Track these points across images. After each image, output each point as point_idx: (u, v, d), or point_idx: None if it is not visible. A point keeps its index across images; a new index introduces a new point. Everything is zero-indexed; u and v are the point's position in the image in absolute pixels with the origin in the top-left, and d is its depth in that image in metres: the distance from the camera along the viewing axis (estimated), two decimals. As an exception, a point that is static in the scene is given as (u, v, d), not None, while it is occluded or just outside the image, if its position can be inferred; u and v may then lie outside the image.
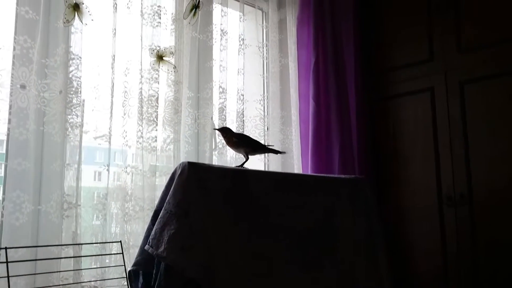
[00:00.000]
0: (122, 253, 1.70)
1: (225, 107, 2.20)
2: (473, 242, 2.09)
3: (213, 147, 2.16)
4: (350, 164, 2.35)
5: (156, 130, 1.93)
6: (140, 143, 1.87)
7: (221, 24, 2.25)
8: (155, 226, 1.47)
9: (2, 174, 1.59)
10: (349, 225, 1.94)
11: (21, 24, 1.64)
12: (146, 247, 1.45)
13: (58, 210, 1.65)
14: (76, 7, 1.74)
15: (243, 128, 2.28)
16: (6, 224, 1.53)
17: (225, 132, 1.92)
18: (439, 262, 2.19)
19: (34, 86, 1.63)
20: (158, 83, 1.96)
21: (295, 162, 2.48)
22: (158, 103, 1.95)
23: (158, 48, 1.98)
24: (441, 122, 2.25)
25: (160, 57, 1.98)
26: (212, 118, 2.17)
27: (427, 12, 2.36)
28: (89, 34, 1.80)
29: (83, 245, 1.70)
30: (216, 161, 2.17)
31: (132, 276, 1.58)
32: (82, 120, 1.75)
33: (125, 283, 1.66)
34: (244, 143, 1.89)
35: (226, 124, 2.17)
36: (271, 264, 1.63)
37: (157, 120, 1.94)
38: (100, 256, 1.73)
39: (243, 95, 2.29)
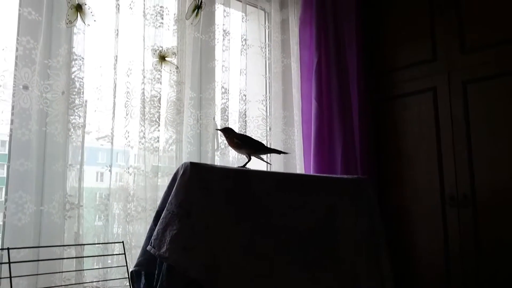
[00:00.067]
0: (124, 253, 1.70)
1: (227, 107, 2.20)
2: (476, 242, 2.08)
3: (215, 147, 2.16)
4: (353, 164, 2.35)
5: (158, 130, 1.93)
6: (142, 144, 1.87)
7: (223, 24, 2.25)
8: (157, 227, 1.47)
9: (5, 175, 1.59)
10: (351, 225, 1.94)
11: (24, 25, 1.64)
12: (148, 247, 1.45)
13: (60, 210, 1.65)
14: (79, 8, 1.75)
15: (246, 129, 2.28)
16: (8, 225, 1.53)
17: (227, 132, 1.91)
18: (441, 262, 2.18)
19: (36, 87, 1.64)
20: (161, 84, 1.96)
21: (298, 162, 2.48)
22: (160, 104, 1.95)
23: (160, 48, 1.98)
24: (444, 122, 2.24)
25: (162, 58, 1.99)
26: (214, 118, 2.17)
27: (430, 13, 2.36)
28: (92, 34, 1.80)
29: (85, 246, 1.70)
30: (218, 162, 2.17)
31: (134, 277, 1.58)
32: (85, 121, 1.75)
33: (127, 283, 1.66)
34: (246, 144, 1.89)
35: (228, 124, 2.17)
36: (272, 264, 1.63)
37: (159, 120, 1.94)
38: (102, 256, 1.74)
39: (245, 96, 2.29)
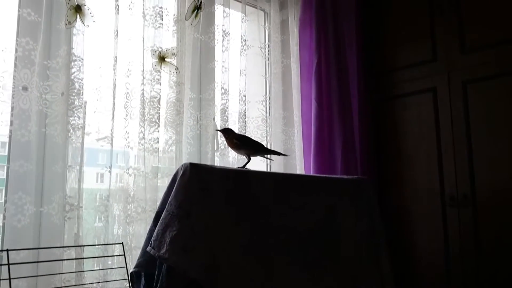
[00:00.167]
0: (124, 254, 1.70)
1: (227, 108, 2.20)
2: (476, 242, 2.08)
3: (215, 148, 2.16)
4: (353, 165, 2.35)
5: (158, 131, 1.93)
6: (142, 145, 1.87)
7: (223, 25, 2.25)
8: (157, 228, 1.47)
9: (4, 176, 1.59)
10: (351, 225, 1.94)
11: (23, 26, 1.64)
12: (148, 248, 1.45)
13: (60, 212, 1.65)
14: (78, 9, 1.75)
15: (245, 129, 2.27)
16: (8, 226, 1.53)
17: (227, 133, 1.91)
18: (441, 262, 2.18)
19: (36, 88, 1.64)
20: (160, 85, 1.96)
21: (298, 163, 2.48)
22: (160, 105, 1.95)
23: (160, 49, 1.98)
24: (444, 122, 2.24)
25: (162, 59, 1.98)
26: (214, 119, 2.16)
27: (430, 13, 2.35)
28: (91, 35, 1.80)
29: (85, 247, 1.70)
30: (218, 162, 2.16)
31: (134, 278, 1.58)
32: (84, 122, 1.75)
33: (127, 284, 1.66)
34: (245, 145, 1.88)
35: (228, 125, 2.16)
36: (272, 264, 1.63)
37: (159, 121, 1.94)
38: (102, 257, 1.73)
39: (245, 96, 2.29)
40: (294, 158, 2.49)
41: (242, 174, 1.70)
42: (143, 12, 1.95)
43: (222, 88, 2.20)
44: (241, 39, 2.33)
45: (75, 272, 1.65)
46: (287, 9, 2.61)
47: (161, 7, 2.00)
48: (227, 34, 2.24)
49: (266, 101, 2.48)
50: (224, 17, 2.26)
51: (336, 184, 2.01)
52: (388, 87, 2.51)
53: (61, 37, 1.73)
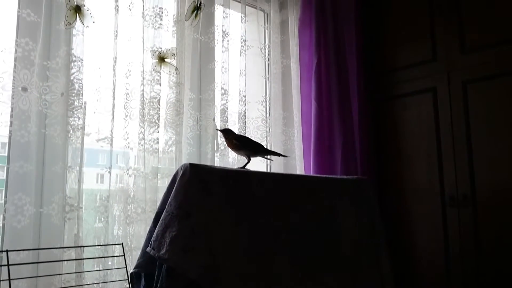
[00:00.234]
0: (124, 255, 1.70)
1: (227, 108, 2.20)
2: (476, 242, 2.08)
3: (215, 148, 2.15)
4: (353, 165, 2.35)
5: (158, 132, 1.93)
6: (142, 145, 1.87)
7: (222, 25, 2.25)
8: (157, 228, 1.47)
9: (4, 177, 1.59)
10: (351, 225, 1.94)
11: (23, 27, 1.64)
12: (148, 249, 1.45)
13: (60, 212, 1.65)
14: (78, 10, 1.74)
15: (245, 130, 2.27)
16: (7, 227, 1.53)
17: (227, 133, 1.91)
18: (441, 262, 2.18)
19: (35, 89, 1.64)
20: (160, 85, 1.96)
21: (298, 163, 2.48)
22: (159, 105, 1.95)
23: (159, 49, 1.97)
24: (444, 122, 2.24)
25: (161, 59, 1.98)
26: (214, 119, 2.16)
27: (429, 13, 2.36)
28: (91, 36, 1.80)
29: (85, 248, 1.69)
30: (218, 163, 2.16)
31: (134, 278, 1.58)
32: (84, 123, 1.75)
33: (127, 285, 1.65)
34: (244, 146, 1.88)
35: (228, 125, 2.16)
36: (272, 265, 1.63)
37: (159, 122, 1.94)
38: (102, 258, 1.73)
39: (245, 97, 2.29)
40: (294, 159, 2.48)
41: (242, 174, 1.70)
42: (143, 13, 1.95)
43: (222, 88, 2.20)
44: (241, 39, 2.33)
45: (75, 272, 1.64)
46: (286, 10, 2.61)
47: (160, 8, 2.00)
48: (226, 35, 2.24)
49: (266, 101, 2.48)
50: (223, 17, 2.26)
51: (336, 184, 2.01)
52: (388, 87, 2.51)
53: (61, 37, 1.73)
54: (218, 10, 2.28)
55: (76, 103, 1.72)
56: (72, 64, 1.73)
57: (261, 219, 1.66)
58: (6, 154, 1.59)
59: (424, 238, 2.26)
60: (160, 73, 1.97)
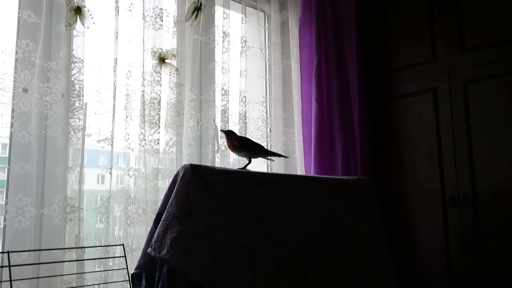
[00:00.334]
0: (125, 256, 1.70)
1: (228, 109, 2.20)
2: (477, 242, 2.08)
3: (216, 149, 2.16)
4: (353, 165, 2.35)
5: (159, 132, 1.93)
6: (143, 146, 1.87)
7: (223, 26, 2.25)
8: (157, 229, 1.47)
9: (5, 178, 1.59)
10: (352, 225, 1.93)
11: (23, 28, 1.65)
12: (149, 250, 1.45)
13: (61, 213, 1.65)
14: (78, 11, 1.75)
15: (246, 130, 2.27)
16: (9, 228, 1.53)
17: (228, 135, 1.91)
18: (442, 262, 2.18)
19: (36, 90, 1.64)
20: (160, 86, 1.96)
21: (298, 163, 2.48)
22: (160, 106, 1.95)
23: (160, 50, 1.98)
24: (444, 122, 2.24)
25: (162, 60, 1.98)
26: (214, 120, 2.17)
27: (429, 13, 2.36)
28: (91, 37, 1.80)
29: (86, 248, 1.69)
30: (218, 163, 2.16)
31: (135, 279, 1.58)
32: (85, 123, 1.75)
33: (128, 286, 1.65)
34: (245, 147, 1.88)
35: (228, 126, 2.17)
36: (273, 265, 1.62)
37: (159, 122, 1.94)
38: (103, 259, 1.73)
39: (245, 97, 2.29)
40: (295, 159, 2.49)
41: (243, 175, 1.70)
42: (143, 14, 1.95)
43: (222, 89, 2.20)
44: (241, 40, 2.33)
45: (76, 273, 1.64)
46: (287, 10, 2.61)
47: (161, 9, 2.00)
48: (227, 35, 2.24)
49: (266, 102, 2.48)
50: (224, 18, 2.26)
51: (336, 184, 2.01)
52: (388, 87, 2.51)
53: (61, 38, 1.73)
54: (219, 10, 2.28)
55: (76, 104, 1.72)
56: (73, 65, 1.73)
57: (262, 219, 1.66)
58: (7, 155, 1.60)
59: (425, 238, 2.26)
60: (160, 74, 1.97)
